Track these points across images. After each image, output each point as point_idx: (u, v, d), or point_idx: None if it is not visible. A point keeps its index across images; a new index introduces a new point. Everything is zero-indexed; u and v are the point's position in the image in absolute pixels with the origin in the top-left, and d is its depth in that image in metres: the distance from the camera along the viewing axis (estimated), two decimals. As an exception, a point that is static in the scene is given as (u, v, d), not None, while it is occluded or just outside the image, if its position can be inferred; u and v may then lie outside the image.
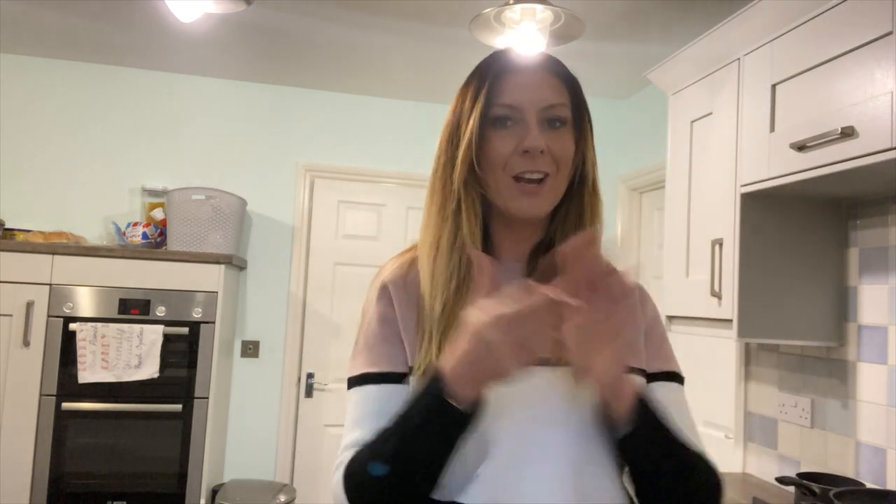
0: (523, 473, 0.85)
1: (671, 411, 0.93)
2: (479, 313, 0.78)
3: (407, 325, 0.93)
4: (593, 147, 0.99)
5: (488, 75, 0.94)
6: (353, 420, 0.92)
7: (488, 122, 0.92)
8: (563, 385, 0.88)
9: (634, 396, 0.83)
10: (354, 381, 0.94)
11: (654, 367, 0.98)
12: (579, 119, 0.95)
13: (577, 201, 0.97)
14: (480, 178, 0.93)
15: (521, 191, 0.91)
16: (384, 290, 0.96)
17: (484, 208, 0.96)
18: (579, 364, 0.80)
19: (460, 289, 0.91)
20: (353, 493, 0.86)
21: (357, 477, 0.86)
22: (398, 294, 0.95)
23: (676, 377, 1.00)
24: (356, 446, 0.89)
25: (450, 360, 0.80)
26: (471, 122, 0.92)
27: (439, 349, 0.88)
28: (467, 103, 0.94)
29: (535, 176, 0.90)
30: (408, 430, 0.82)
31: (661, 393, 0.96)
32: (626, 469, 0.88)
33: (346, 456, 0.90)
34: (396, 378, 0.91)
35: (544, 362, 0.89)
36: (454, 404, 0.79)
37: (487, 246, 0.96)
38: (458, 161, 0.93)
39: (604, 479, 0.88)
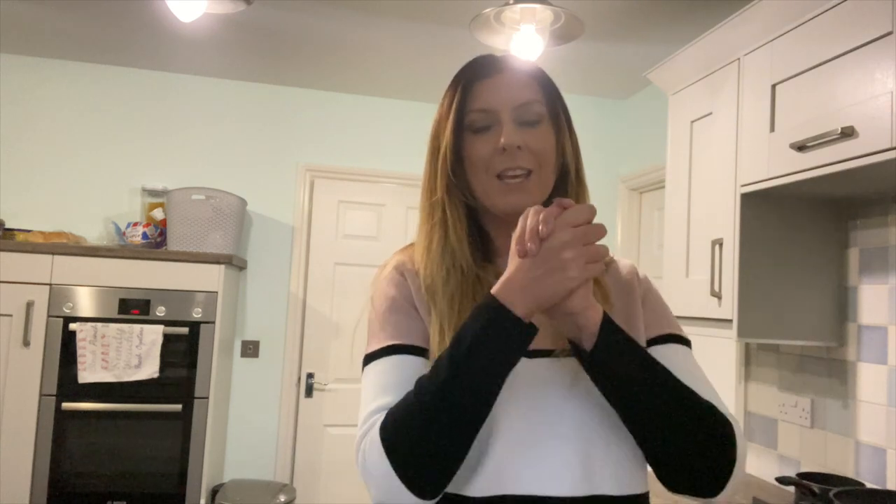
0: (529, 463, 0.85)
1: (679, 370, 0.88)
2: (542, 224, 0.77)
3: (422, 309, 0.94)
4: (573, 138, 1.00)
5: (460, 84, 0.96)
6: (380, 387, 0.88)
7: (466, 129, 0.94)
8: (564, 374, 0.89)
9: (600, 318, 0.82)
10: (379, 353, 0.91)
11: (654, 332, 0.98)
12: (554, 113, 0.97)
13: (562, 194, 0.97)
14: (466, 184, 0.95)
15: (507, 188, 0.92)
16: (400, 275, 0.97)
17: (477, 212, 0.98)
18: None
19: (461, 287, 0.93)
20: (392, 439, 0.80)
21: (398, 419, 0.81)
22: (412, 279, 0.96)
23: (681, 339, 0.99)
24: (385, 409, 0.85)
25: (506, 281, 0.80)
26: (446, 132, 0.95)
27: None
28: (443, 113, 0.97)
29: (518, 172, 0.92)
30: (461, 350, 0.79)
31: (665, 354, 0.94)
32: (624, 419, 0.85)
33: (375, 418, 0.85)
34: (422, 352, 0.90)
35: (545, 352, 0.90)
36: (515, 315, 0.78)
37: (486, 248, 0.99)
38: (438, 172, 0.95)
39: (611, 465, 0.87)
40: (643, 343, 0.96)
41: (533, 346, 0.89)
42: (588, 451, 0.86)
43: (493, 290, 0.80)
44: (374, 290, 1.00)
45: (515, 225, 0.96)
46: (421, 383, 0.82)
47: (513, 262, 0.79)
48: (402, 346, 0.91)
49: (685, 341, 0.99)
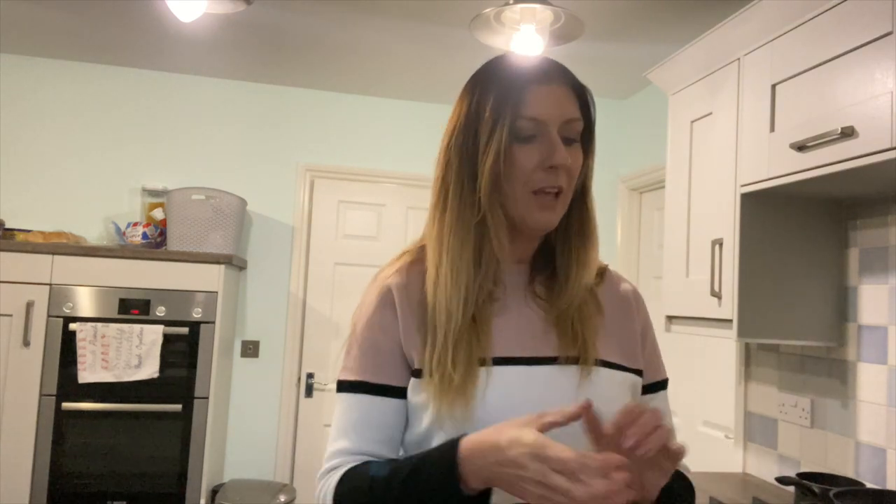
0: None
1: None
2: (542, 442, 0.74)
3: (408, 329, 0.92)
4: (592, 163, 1.00)
5: (514, 85, 0.92)
6: (343, 426, 0.92)
7: (511, 135, 0.91)
8: (569, 382, 0.89)
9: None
10: (349, 387, 0.93)
11: (649, 378, 1.01)
12: (589, 134, 0.97)
13: (578, 212, 0.98)
14: (500, 189, 0.92)
15: (540, 205, 0.91)
16: (387, 295, 0.94)
17: None
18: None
19: (486, 300, 0.92)
20: None
21: (349, 498, 0.86)
22: (401, 298, 0.94)
23: (666, 383, 1.05)
24: (344, 455, 0.90)
25: (481, 450, 0.78)
26: (497, 133, 0.90)
27: (454, 358, 0.87)
28: (488, 113, 0.91)
29: (553, 191, 0.91)
30: (407, 485, 0.82)
31: (657, 403, 1.00)
32: None
33: (333, 464, 0.91)
34: (393, 392, 0.91)
35: (549, 360, 0.90)
36: (467, 493, 0.78)
37: None
38: (485, 172, 0.90)
39: None
40: (636, 364, 0.98)
41: (536, 353, 0.90)
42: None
43: (461, 452, 0.78)
44: (363, 301, 0.98)
45: (523, 236, 0.95)
46: (374, 481, 0.84)
47: (509, 442, 0.75)
48: (372, 385, 0.91)
49: (667, 381, 1.05)
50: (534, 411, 0.85)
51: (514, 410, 0.85)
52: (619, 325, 0.99)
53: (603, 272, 1.03)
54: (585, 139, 0.96)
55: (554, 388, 0.88)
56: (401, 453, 0.93)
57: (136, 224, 3.31)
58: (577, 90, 0.95)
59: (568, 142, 0.92)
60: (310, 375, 3.67)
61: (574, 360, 0.90)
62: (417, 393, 0.89)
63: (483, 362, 0.88)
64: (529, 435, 0.74)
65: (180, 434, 3.04)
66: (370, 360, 0.92)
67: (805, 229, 2.00)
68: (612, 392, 0.90)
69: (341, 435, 0.91)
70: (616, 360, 0.95)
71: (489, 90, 0.93)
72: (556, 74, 0.94)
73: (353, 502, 0.86)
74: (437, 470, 0.80)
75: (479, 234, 0.92)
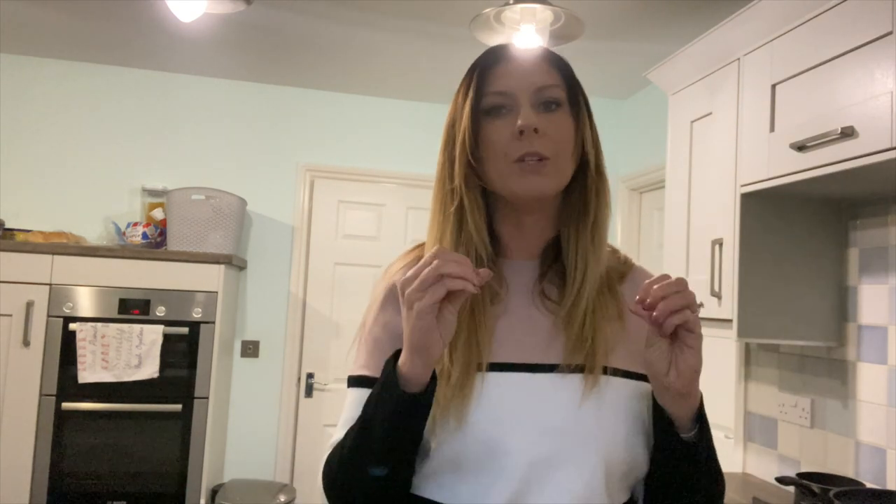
0: (536, 481, 0.83)
1: None
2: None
3: None
4: (592, 128, 0.96)
5: (477, 69, 0.94)
6: (344, 419, 0.92)
7: (482, 114, 0.91)
8: (572, 390, 0.86)
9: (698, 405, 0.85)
10: (353, 381, 0.94)
11: None
12: (574, 99, 0.93)
13: (581, 186, 0.94)
14: (481, 172, 0.91)
15: (524, 170, 0.88)
16: (391, 293, 0.94)
17: (490, 209, 0.94)
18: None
19: (489, 301, 0.90)
20: (325, 489, 0.89)
21: (326, 475, 0.88)
22: None
23: None
24: None
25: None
26: (464, 117, 0.91)
27: (451, 361, 0.86)
28: (460, 100, 0.93)
29: (533, 157, 0.88)
30: (365, 419, 0.83)
31: None
32: (652, 472, 0.88)
33: (329, 454, 0.92)
34: None
35: (549, 367, 0.88)
36: (402, 387, 0.79)
37: (497, 248, 0.95)
38: (457, 158, 0.91)
39: (613, 483, 0.86)
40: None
41: (536, 360, 0.88)
42: (591, 470, 0.84)
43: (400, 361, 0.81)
44: (373, 297, 0.98)
45: (528, 222, 0.94)
46: (347, 435, 0.86)
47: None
48: (372, 380, 0.89)
49: None
50: (532, 421, 0.84)
51: (509, 419, 0.84)
52: (641, 328, 0.92)
53: (627, 271, 0.99)
54: (573, 105, 0.93)
55: (554, 398, 0.85)
56: None
57: (136, 224, 3.31)
58: (550, 60, 0.94)
59: (547, 109, 0.90)
60: (310, 375, 3.67)
61: (579, 369, 0.86)
62: None
63: (479, 367, 0.86)
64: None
65: (180, 434, 3.04)
66: (373, 355, 0.92)
67: (805, 229, 2.00)
68: (620, 403, 0.87)
69: (341, 427, 0.91)
70: (632, 367, 0.90)
71: (464, 80, 0.95)
72: (521, 49, 0.94)
73: (331, 469, 0.88)
74: (380, 383, 0.82)
75: (458, 219, 0.91)
